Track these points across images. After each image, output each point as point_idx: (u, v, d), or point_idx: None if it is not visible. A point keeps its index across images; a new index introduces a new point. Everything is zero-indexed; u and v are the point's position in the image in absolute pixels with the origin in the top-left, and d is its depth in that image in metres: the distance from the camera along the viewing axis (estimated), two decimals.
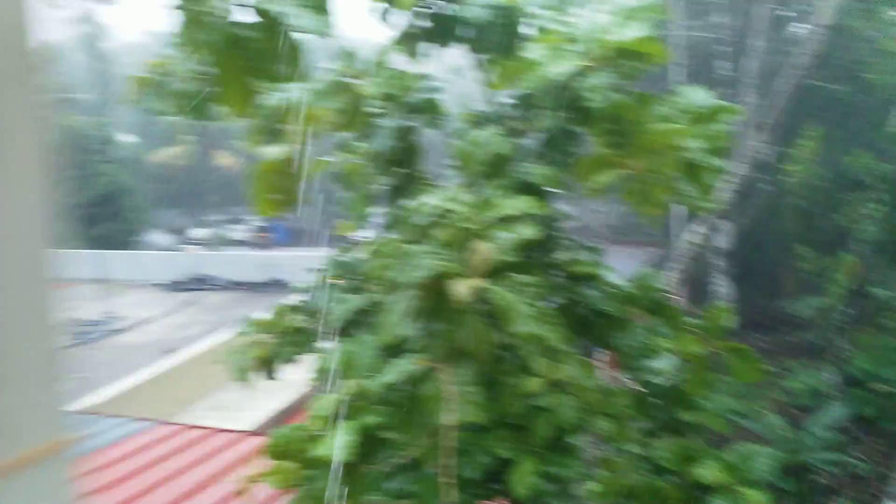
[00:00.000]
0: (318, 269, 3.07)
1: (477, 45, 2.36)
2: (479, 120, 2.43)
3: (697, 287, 20.65)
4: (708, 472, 2.42)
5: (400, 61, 2.49)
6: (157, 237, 38.25)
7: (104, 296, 18.70)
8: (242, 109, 1.58)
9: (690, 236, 10.67)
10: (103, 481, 3.79)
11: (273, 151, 1.93)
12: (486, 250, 1.67)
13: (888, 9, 13.88)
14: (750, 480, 2.40)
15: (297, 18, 1.47)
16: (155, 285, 21.56)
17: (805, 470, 8.82)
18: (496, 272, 1.69)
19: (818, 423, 9.88)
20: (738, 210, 19.93)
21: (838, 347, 14.26)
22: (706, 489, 2.43)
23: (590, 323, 2.63)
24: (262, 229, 37.45)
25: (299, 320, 3.00)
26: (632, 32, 1.84)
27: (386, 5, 2.39)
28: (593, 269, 2.63)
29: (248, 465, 2.52)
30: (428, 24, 2.38)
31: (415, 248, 1.70)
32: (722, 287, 18.69)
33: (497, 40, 2.30)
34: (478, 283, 1.61)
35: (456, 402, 1.78)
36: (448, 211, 1.82)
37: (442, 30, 2.36)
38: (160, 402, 8.85)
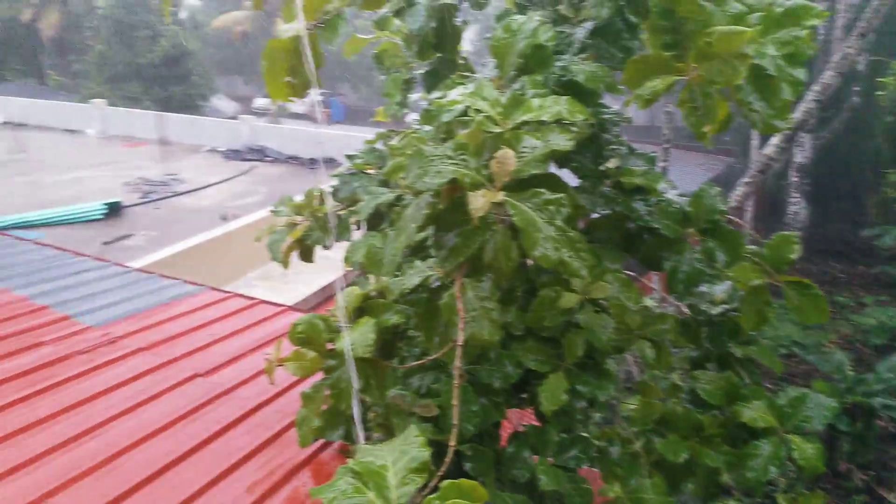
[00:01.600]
0: (352, 155, 2.92)
1: None
2: (525, 3, 2.14)
3: (771, 205, 19.79)
4: (754, 412, 2.27)
5: None
6: (221, 103, 38.64)
7: (167, 157, 19.19)
8: None
9: (768, 147, 9.99)
10: (148, 340, 3.93)
11: (286, 29, 1.72)
12: (510, 159, 1.46)
13: None
14: (801, 427, 2.25)
15: None
16: (215, 151, 21.95)
17: (868, 413, 8.56)
18: (521, 184, 1.48)
19: (888, 364, 9.45)
20: (823, 124, 18.63)
21: None
22: (751, 431, 2.29)
23: (639, 240, 2.43)
24: (320, 104, 37.36)
25: (331, 206, 2.89)
26: None
27: None
28: (645, 180, 2.38)
29: (277, 344, 2.52)
30: None
31: (432, 149, 1.50)
32: (798, 207, 17.83)
33: None
34: (497, 196, 1.42)
35: (471, 316, 1.64)
36: (472, 109, 1.60)
37: None
38: (212, 267, 9.15)
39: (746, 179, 9.88)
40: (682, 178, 15.00)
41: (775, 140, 10.21)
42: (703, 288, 2.69)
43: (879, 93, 15.56)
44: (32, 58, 39.48)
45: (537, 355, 2.20)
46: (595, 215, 2.43)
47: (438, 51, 2.44)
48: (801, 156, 17.75)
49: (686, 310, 2.74)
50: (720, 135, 2.00)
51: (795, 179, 17.87)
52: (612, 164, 2.42)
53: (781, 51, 1.72)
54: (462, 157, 1.50)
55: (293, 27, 1.73)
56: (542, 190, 1.47)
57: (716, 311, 2.64)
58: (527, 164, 1.50)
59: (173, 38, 32.13)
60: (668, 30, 1.56)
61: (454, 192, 1.50)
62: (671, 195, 2.46)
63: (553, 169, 2.29)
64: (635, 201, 2.39)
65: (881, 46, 17.83)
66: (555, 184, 1.57)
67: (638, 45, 1.98)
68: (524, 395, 2.41)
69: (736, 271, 2.26)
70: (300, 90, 1.81)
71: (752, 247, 2.38)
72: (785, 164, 18.11)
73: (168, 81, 32.41)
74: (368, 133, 2.93)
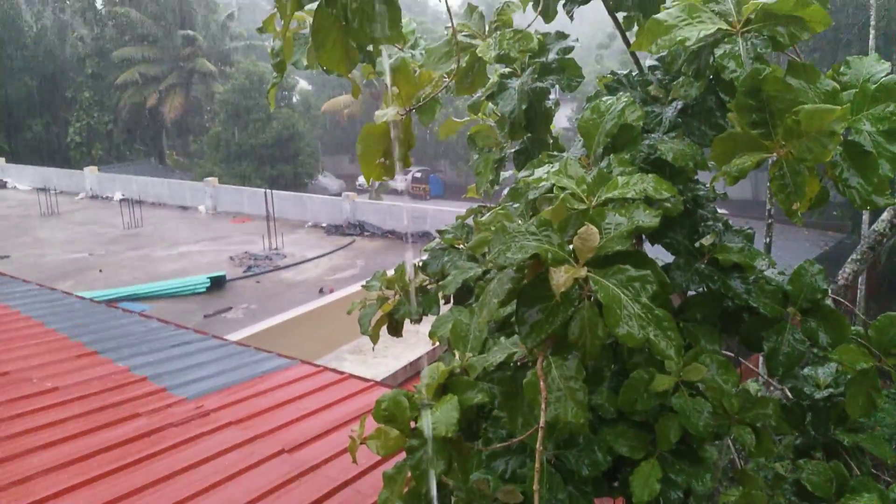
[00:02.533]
0: (442, 231, 3.00)
1: (615, 3, 2.11)
2: (615, 84, 2.18)
3: (887, 283, 18.44)
4: None
5: (533, 19, 2.30)
6: (327, 181, 40.77)
7: (273, 233, 20.26)
8: (342, 70, 1.49)
9: (879, 223, 9.40)
10: (238, 414, 4.05)
11: (382, 114, 1.84)
12: (593, 235, 1.46)
13: None
14: None
15: None
16: (318, 227, 23.00)
17: None
18: (605, 260, 1.48)
19: None
20: None
21: None
22: None
23: (737, 320, 2.34)
24: (419, 181, 38.75)
25: (420, 280, 2.95)
26: None
27: None
28: (742, 257, 2.30)
29: (361, 421, 2.55)
30: None
31: (516, 225, 1.52)
32: None
33: None
34: (580, 272, 1.42)
35: (554, 396, 1.61)
36: (557, 187, 1.62)
37: None
38: (307, 340, 9.44)
39: (855, 256, 9.30)
40: (788, 255, 14.30)
41: (886, 215, 9.62)
42: (807, 371, 2.53)
43: None
44: (154, 139, 43.42)
45: (629, 441, 2.11)
46: (691, 293, 2.36)
47: (529, 131, 2.51)
48: None
49: (789, 394, 2.57)
50: (830, 209, 1.92)
51: None
52: (707, 240, 2.36)
53: (877, 126, 1.66)
54: (545, 233, 1.52)
55: (388, 113, 1.84)
56: (627, 266, 1.45)
57: (820, 395, 2.46)
58: (611, 240, 1.50)
59: (285, 121, 34.51)
60: (755, 108, 1.55)
61: (537, 268, 1.51)
62: (770, 273, 2.37)
63: (646, 246, 2.27)
64: (732, 279, 2.31)
65: None
66: (641, 260, 1.55)
67: (729, 123, 1.96)
68: (615, 484, 2.30)
69: (840, 353, 2.12)
70: (392, 171, 1.90)
71: (858, 328, 2.23)
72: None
73: (277, 161, 34.66)
74: (465, 208, 3.01)
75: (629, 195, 1.58)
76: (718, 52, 1.60)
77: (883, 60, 1.87)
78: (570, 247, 1.50)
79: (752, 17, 1.61)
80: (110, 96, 40.06)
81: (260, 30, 1.71)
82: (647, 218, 1.52)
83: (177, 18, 39.47)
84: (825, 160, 1.48)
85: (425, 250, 3.06)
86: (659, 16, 1.66)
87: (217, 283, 15.42)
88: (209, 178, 28.06)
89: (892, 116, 1.64)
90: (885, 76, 1.79)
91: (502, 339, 2.03)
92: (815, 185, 1.52)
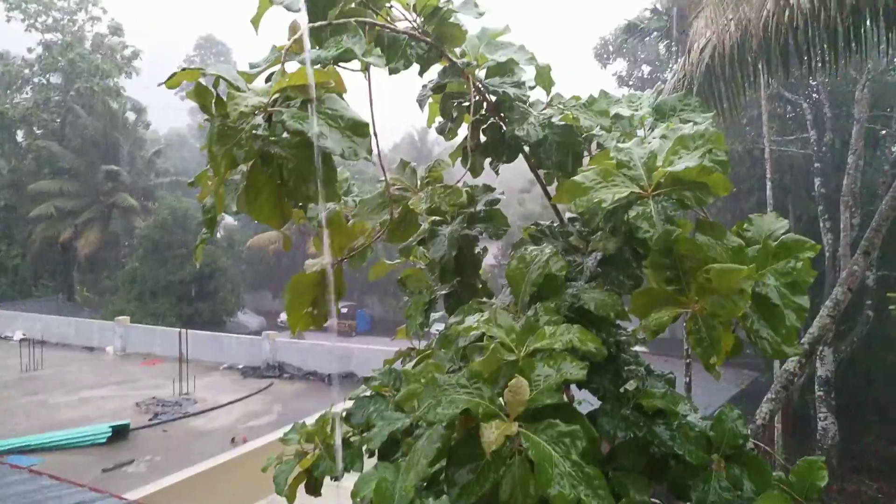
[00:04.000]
0: (369, 378, 2.92)
1: (537, 161, 2.27)
2: (538, 234, 2.28)
3: (800, 420, 19.13)
4: None
5: (461, 173, 2.43)
6: (247, 318, 39.62)
7: (185, 376, 19.23)
8: (274, 225, 1.50)
9: (789, 362, 9.87)
10: None
11: (313, 264, 1.84)
12: (524, 388, 1.46)
13: None
14: None
15: (333, 140, 1.39)
16: (234, 368, 22.04)
17: None
18: (536, 414, 1.47)
19: None
20: (842, 337, 18.60)
21: None
22: None
23: (665, 467, 2.33)
24: (345, 317, 38.13)
25: (343, 431, 2.82)
26: (686, 162, 1.67)
27: (443, 120, 2.36)
28: (666, 402, 2.34)
29: None
30: (486, 138, 2.32)
31: (447, 377, 1.51)
32: (827, 423, 17.19)
33: (555, 158, 2.20)
34: (512, 428, 1.40)
35: None
36: (487, 336, 1.64)
37: (498, 146, 2.28)
38: (216, 497, 8.73)
39: (771, 396, 9.64)
40: (708, 394, 14.66)
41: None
42: None
43: (891, 307, 15.69)
44: (65, 274, 41.57)
45: None
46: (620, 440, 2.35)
47: (459, 276, 2.56)
48: (823, 370, 17.47)
49: None
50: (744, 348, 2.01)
51: (821, 394, 17.41)
52: (631, 385, 2.39)
53: (781, 280, 1.79)
54: (476, 385, 1.51)
55: (319, 262, 1.84)
56: (557, 421, 1.45)
57: None
58: (541, 393, 1.50)
59: (206, 256, 33.88)
60: (669, 266, 1.65)
61: (468, 423, 1.48)
62: (693, 418, 2.40)
63: (574, 389, 2.27)
64: (657, 425, 2.32)
65: (886, 262, 18.39)
66: (570, 414, 1.55)
67: (645, 273, 2.06)
68: None
69: (764, 500, 2.13)
70: (320, 321, 1.87)
71: (780, 473, 2.26)
72: (810, 378, 17.78)
73: (196, 298, 33.61)
74: (392, 346, 2.96)
75: (556, 346, 1.61)
76: (632, 213, 1.71)
77: (781, 218, 2.05)
78: (501, 399, 1.49)
79: (662, 181, 1.75)
80: (21, 229, 38.65)
81: (191, 184, 1.71)
82: (575, 370, 1.54)
83: (101, 153, 39.32)
84: (736, 316, 1.56)
85: (350, 398, 2.95)
86: (577, 178, 1.78)
87: (120, 433, 14.26)
88: (120, 317, 26.79)
89: (793, 271, 1.77)
90: (784, 233, 1.96)
91: (430, 500, 1.93)
92: (730, 338, 1.59)
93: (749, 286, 1.55)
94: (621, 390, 2.33)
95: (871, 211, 14.71)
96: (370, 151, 1.47)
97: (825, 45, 6.61)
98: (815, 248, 1.88)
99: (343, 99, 1.51)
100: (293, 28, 1.61)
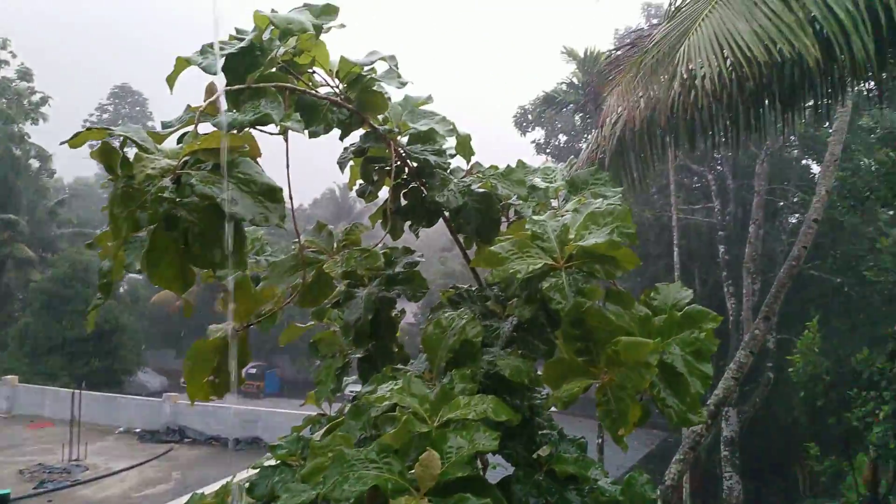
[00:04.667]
0: (275, 446, 2.79)
1: (457, 226, 2.30)
2: (457, 298, 2.29)
3: (708, 480, 19.66)
4: None
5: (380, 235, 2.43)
6: (147, 378, 37.42)
7: (76, 440, 17.83)
8: (177, 290, 1.44)
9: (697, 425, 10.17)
10: None
11: (216, 330, 1.77)
12: (435, 462, 1.43)
13: (879, 206, 14.39)
14: None
15: (245, 206, 1.37)
16: (131, 432, 20.67)
17: None
18: (447, 488, 1.43)
19: None
20: (745, 398, 19.45)
21: None
22: None
23: None
24: (253, 377, 36.51)
25: None
26: (596, 238, 1.74)
27: (363, 182, 2.36)
28: (577, 468, 2.35)
29: None
30: (406, 202, 2.34)
31: (355, 452, 1.46)
32: (732, 482, 17.72)
33: (475, 224, 2.24)
34: None
35: None
36: (398, 406, 1.60)
37: (418, 210, 2.31)
38: None
39: (679, 456, 9.88)
40: (619, 455, 14.88)
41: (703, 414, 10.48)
42: None
43: (790, 369, 16.61)
44: None
45: None
46: None
47: (374, 339, 2.52)
48: (728, 430, 18.12)
49: None
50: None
51: (726, 454, 18.00)
52: (544, 451, 2.40)
53: (686, 350, 1.86)
54: (386, 460, 1.46)
55: (222, 328, 1.77)
56: (468, 495, 1.42)
57: None
58: (452, 465, 1.47)
59: (107, 313, 31.98)
60: (580, 337, 1.69)
61: (376, 500, 1.43)
62: (603, 482, 2.42)
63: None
64: (569, 491, 2.33)
65: (785, 326, 19.53)
66: (481, 487, 1.53)
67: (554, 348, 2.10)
68: None
69: None
70: (222, 390, 1.79)
71: None
72: (716, 438, 18.39)
73: (93, 356, 31.51)
74: (303, 409, 2.84)
75: (470, 416, 1.59)
76: (545, 284, 1.74)
77: (685, 287, 2.14)
78: (412, 472, 1.46)
79: (574, 254, 1.80)
80: None
81: (90, 245, 1.62)
82: (488, 441, 1.53)
83: None
84: (643, 388, 1.60)
85: (254, 467, 2.81)
86: (494, 248, 1.82)
87: None
88: (7, 377, 24.79)
89: (697, 341, 1.84)
90: (689, 302, 2.05)
91: None
92: (637, 410, 1.62)
93: (655, 359, 1.59)
94: (534, 456, 2.34)
95: (772, 277, 15.70)
96: (283, 218, 1.44)
97: (727, 123, 7.14)
98: (718, 319, 1.97)
99: (257, 163, 1.49)
100: (209, 90, 1.58)
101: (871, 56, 4.71)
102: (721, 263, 20.84)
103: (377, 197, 2.41)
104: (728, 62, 4.83)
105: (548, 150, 27.88)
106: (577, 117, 25.76)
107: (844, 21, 4.53)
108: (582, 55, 22.29)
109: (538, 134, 28.45)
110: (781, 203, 22.68)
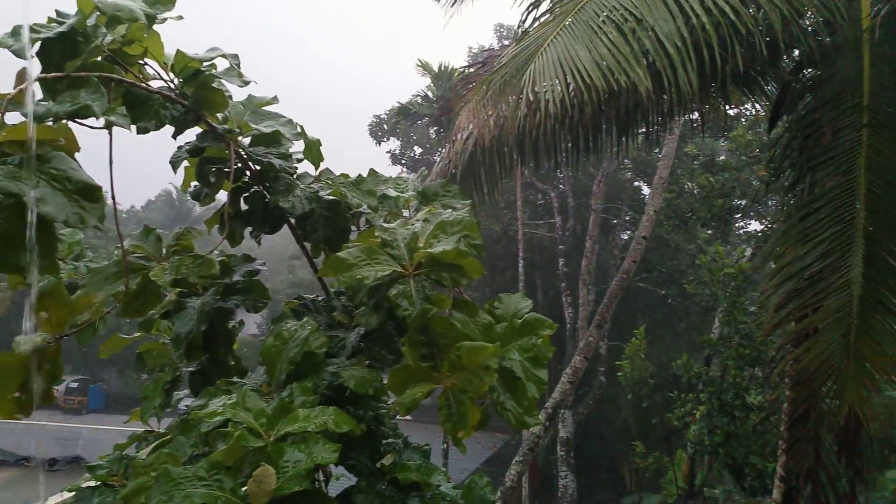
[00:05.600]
0: (94, 466, 2.55)
1: (303, 234, 2.23)
2: (302, 308, 2.22)
3: (546, 480, 20.68)
4: None
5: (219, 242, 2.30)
6: None
7: None
8: None
9: (535, 427, 10.70)
10: None
11: (23, 342, 1.58)
12: (270, 477, 1.38)
13: (699, 226, 15.96)
14: None
15: (56, 205, 1.24)
16: None
17: None
18: (283, 503, 1.38)
19: None
20: (580, 401, 20.73)
21: None
22: None
23: None
24: (74, 392, 33.28)
25: None
26: (444, 246, 1.78)
27: (199, 184, 2.23)
28: (420, 475, 2.37)
29: None
30: (248, 207, 2.24)
31: (182, 470, 1.36)
32: (567, 481, 18.75)
33: (322, 232, 2.19)
34: None
35: None
36: (231, 421, 1.53)
37: (261, 216, 2.22)
38: None
39: (518, 458, 10.32)
40: (463, 459, 15.24)
41: (542, 417, 11.03)
42: None
43: (619, 373, 17.92)
44: None
45: None
46: None
47: (208, 352, 2.37)
48: (564, 431, 19.19)
49: None
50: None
51: (562, 454, 19.05)
52: (388, 460, 2.40)
53: (524, 355, 1.94)
54: (216, 477, 1.38)
55: (30, 340, 1.59)
56: None
57: None
58: (289, 480, 1.42)
59: None
60: (425, 343, 1.71)
61: None
62: (445, 487, 2.47)
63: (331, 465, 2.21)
64: (412, 498, 2.35)
65: (616, 333, 21.07)
66: (320, 500, 1.49)
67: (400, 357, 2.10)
68: None
69: None
70: (27, 408, 1.60)
71: None
72: (553, 439, 19.41)
73: None
74: (130, 426, 2.61)
75: (310, 429, 1.55)
76: (393, 291, 1.75)
77: (526, 297, 2.24)
78: (245, 490, 1.39)
79: (423, 262, 1.82)
80: None
81: None
82: (327, 453, 1.49)
83: None
84: (483, 391, 1.66)
85: (70, 489, 2.55)
86: (341, 254, 1.78)
87: None
88: None
89: (534, 347, 1.94)
90: (529, 311, 2.14)
91: None
92: (477, 413, 1.67)
93: (495, 363, 1.65)
94: (378, 465, 2.33)
95: (605, 289, 16.88)
96: (102, 219, 1.31)
97: (569, 145, 7.59)
98: (553, 327, 2.09)
99: (75, 159, 1.35)
100: (20, 76, 1.42)
101: (694, 90, 5.20)
102: (561, 275, 22.11)
103: (214, 200, 2.28)
104: (570, 87, 5.13)
105: (403, 161, 28.07)
106: (431, 130, 26.23)
107: (673, 56, 4.97)
108: (436, 69, 22.78)
109: (394, 144, 28.63)
110: (615, 221, 24.52)
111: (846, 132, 5.51)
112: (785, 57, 6.95)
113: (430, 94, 23.74)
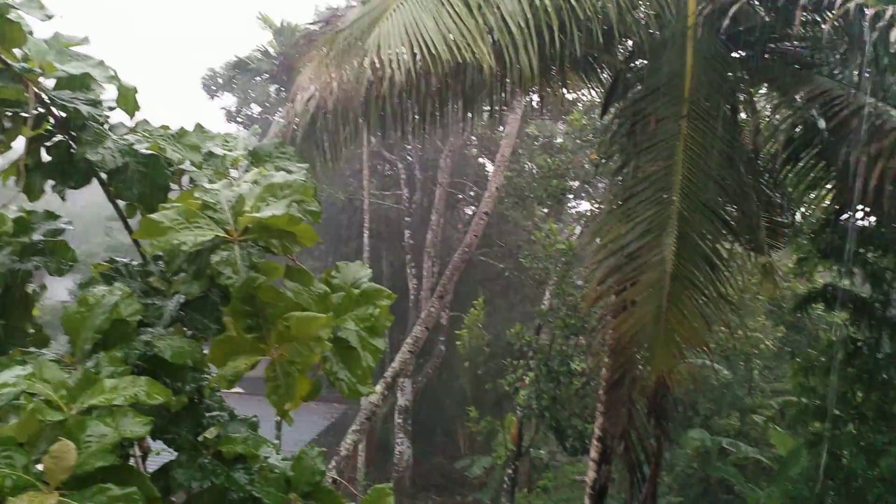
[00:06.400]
0: None
1: (116, 191, 2.03)
2: (113, 273, 2.04)
3: (382, 448, 21.03)
4: None
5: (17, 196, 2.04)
6: None
7: None
8: None
9: (372, 395, 10.80)
10: None
11: None
12: (69, 452, 1.26)
13: (536, 204, 16.82)
14: None
15: None
16: None
17: None
18: (85, 480, 1.27)
19: None
20: (419, 369, 21.25)
21: None
22: None
23: None
24: None
25: None
26: (274, 210, 1.68)
27: None
28: (246, 447, 2.29)
29: None
30: (49, 158, 2.00)
31: None
32: (403, 447, 19.22)
33: (137, 190, 2.00)
34: (51, 499, 1.19)
35: None
36: (26, 393, 1.38)
37: (65, 168, 1.99)
38: None
39: (355, 427, 10.41)
40: (299, 431, 15.07)
41: (379, 387, 11.16)
42: None
43: (458, 342, 18.56)
44: None
45: None
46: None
47: (3, 319, 2.12)
48: (403, 399, 19.61)
49: None
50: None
51: (399, 421, 19.48)
52: (211, 433, 2.30)
53: (361, 325, 1.92)
54: (6, 454, 1.24)
55: None
56: (110, 485, 1.28)
57: None
58: (91, 455, 1.31)
59: None
60: (251, 314, 1.64)
61: None
62: (274, 459, 2.41)
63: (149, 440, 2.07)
64: (236, 471, 2.27)
65: (457, 304, 21.77)
66: (126, 475, 1.39)
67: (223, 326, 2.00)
68: None
69: None
70: None
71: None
72: (392, 407, 19.78)
73: None
74: None
75: (118, 401, 1.43)
76: (215, 258, 1.64)
77: (366, 267, 2.21)
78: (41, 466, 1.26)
79: (250, 227, 1.72)
80: None
81: None
82: (137, 426, 1.39)
83: None
84: (313, 362, 1.62)
85: None
86: (155, 216, 1.64)
87: None
88: None
89: (371, 317, 1.92)
90: (368, 281, 2.12)
91: None
92: (306, 384, 1.63)
93: (327, 334, 1.62)
94: (200, 439, 2.23)
95: (448, 261, 17.33)
96: None
97: (415, 116, 7.59)
98: (392, 297, 2.08)
99: None
100: None
101: (535, 72, 5.40)
102: (406, 247, 22.37)
103: (9, 148, 2.01)
104: (417, 58, 5.13)
105: (239, 120, 26.27)
106: (272, 88, 24.94)
107: (516, 35, 5.13)
108: (279, 24, 21.83)
109: (230, 101, 26.68)
110: (460, 196, 25.14)
111: (668, 122, 6.01)
112: (620, 47, 7.43)
113: (271, 49, 22.67)
